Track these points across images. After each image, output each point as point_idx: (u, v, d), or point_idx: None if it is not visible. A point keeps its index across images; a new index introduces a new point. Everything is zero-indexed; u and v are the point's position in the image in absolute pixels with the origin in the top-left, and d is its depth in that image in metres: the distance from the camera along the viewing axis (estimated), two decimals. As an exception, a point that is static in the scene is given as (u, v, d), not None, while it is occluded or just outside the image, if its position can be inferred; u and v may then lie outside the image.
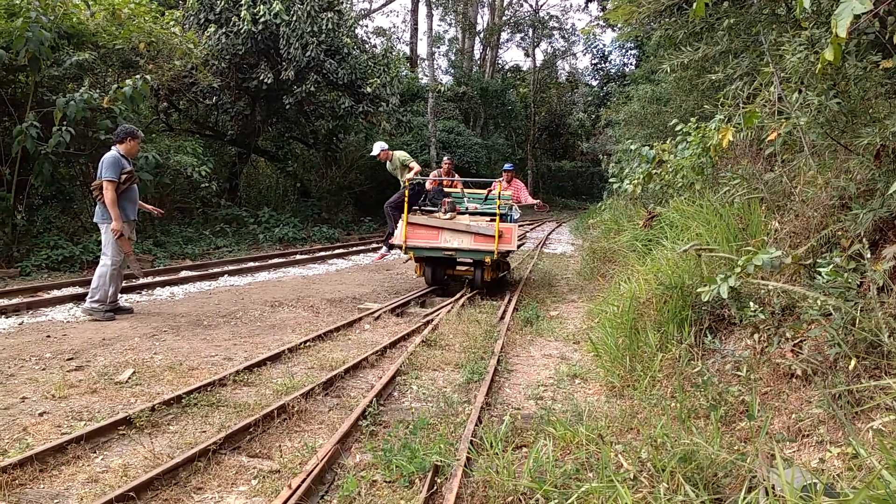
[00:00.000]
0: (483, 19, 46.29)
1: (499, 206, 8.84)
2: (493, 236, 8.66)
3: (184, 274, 10.47)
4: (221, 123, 19.21)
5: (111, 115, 10.47)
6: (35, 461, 3.32)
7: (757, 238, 4.83)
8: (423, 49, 36.67)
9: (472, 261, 9.36)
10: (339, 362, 5.53)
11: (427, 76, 31.88)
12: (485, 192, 10.37)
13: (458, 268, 10.17)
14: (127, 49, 11.83)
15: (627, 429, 3.79)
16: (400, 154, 10.33)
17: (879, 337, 3.06)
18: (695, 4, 3.57)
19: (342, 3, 17.63)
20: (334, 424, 4.15)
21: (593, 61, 47.56)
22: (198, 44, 14.18)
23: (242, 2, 15.40)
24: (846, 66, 4.63)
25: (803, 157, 4.87)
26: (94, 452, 3.60)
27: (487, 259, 8.86)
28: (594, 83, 47.97)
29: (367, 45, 19.54)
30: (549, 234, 22.41)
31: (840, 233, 3.98)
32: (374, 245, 16.18)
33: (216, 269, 11.22)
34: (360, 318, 7.47)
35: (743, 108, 5.45)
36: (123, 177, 6.97)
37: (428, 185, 10.22)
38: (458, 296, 8.92)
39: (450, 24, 47.68)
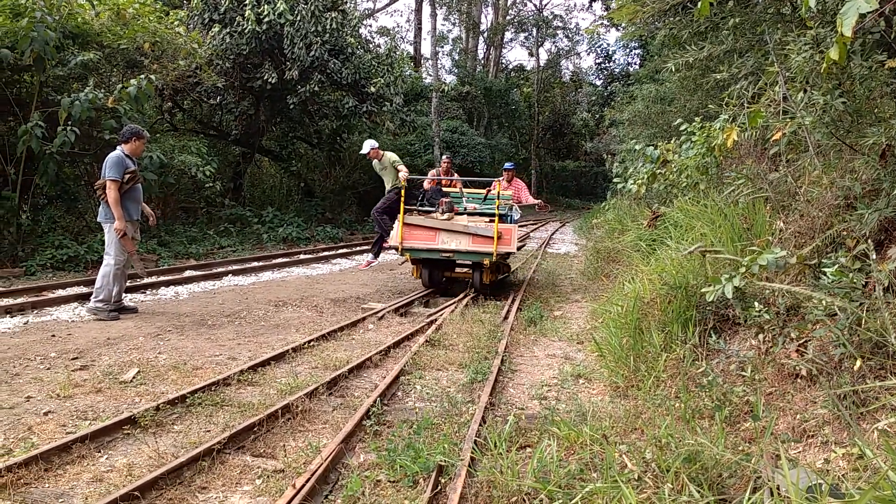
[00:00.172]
0: (487, 19, 46.38)
1: (498, 207, 8.65)
2: (492, 237, 8.44)
3: (188, 273, 10.49)
4: (225, 123, 19.24)
5: (116, 114, 10.50)
6: (40, 460, 3.33)
7: (762, 238, 4.82)
8: (426, 48, 36.68)
9: (470, 263, 9.14)
10: (342, 362, 5.53)
11: (431, 76, 31.92)
12: (484, 191, 10.20)
13: (458, 270, 9.95)
14: (131, 49, 11.86)
15: (631, 429, 3.79)
16: (391, 155, 10.18)
17: (885, 337, 3.05)
18: (699, 3, 3.56)
19: (346, 2, 17.65)
20: (338, 424, 4.15)
21: (597, 61, 47.62)
22: (202, 44, 14.20)
23: (247, 2, 15.42)
24: (851, 65, 4.62)
25: (808, 157, 4.86)
26: (99, 452, 3.61)
27: (486, 261, 8.61)
28: (598, 83, 47.92)
29: (370, 45, 19.56)
30: (553, 233, 22.39)
31: (845, 233, 3.98)
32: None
33: (220, 269, 11.23)
34: (364, 318, 7.48)
35: (748, 107, 5.44)
36: (127, 176, 6.99)
37: (426, 185, 10.09)
38: (461, 296, 8.91)
39: (453, 24, 47.73)
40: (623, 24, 11.76)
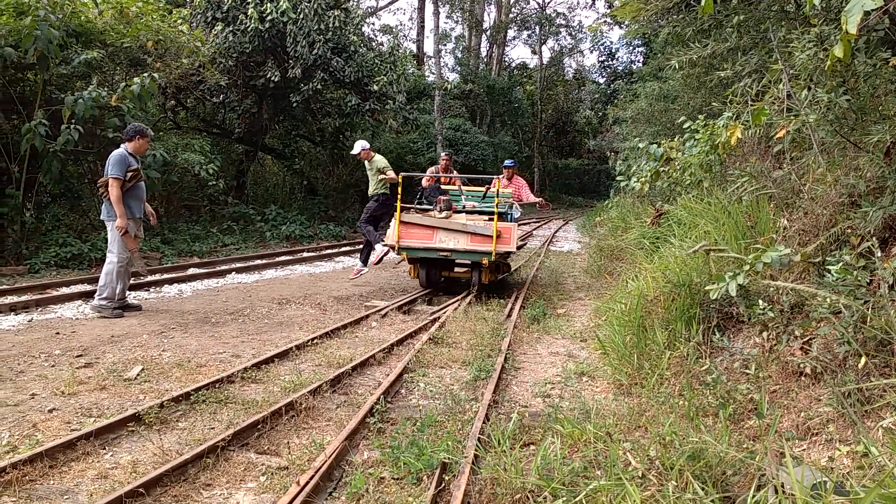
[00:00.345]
0: (490, 17, 46.25)
1: (497, 205, 8.44)
2: (491, 236, 8.22)
3: (192, 271, 10.51)
4: (229, 121, 19.26)
5: (119, 113, 10.52)
6: (45, 457, 3.34)
7: (766, 236, 4.81)
8: (429, 47, 36.71)
9: (469, 262, 8.89)
10: (346, 360, 5.54)
11: (434, 74, 31.89)
12: (483, 189, 9.97)
13: (457, 269, 9.70)
14: (135, 47, 11.87)
15: (635, 427, 3.78)
16: (380, 158, 9.87)
17: (890, 335, 3.05)
18: (703, 1, 3.56)
19: (349, 0, 17.65)
20: (342, 421, 4.15)
21: (600, 58, 47.51)
22: (205, 42, 14.21)
23: (249, 0, 15.43)
24: (856, 63, 4.61)
25: (812, 155, 4.86)
26: (104, 449, 3.62)
27: (484, 260, 8.39)
28: (601, 80, 47.91)
29: (373, 43, 19.56)
30: (556, 231, 22.38)
31: (849, 230, 3.97)
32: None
33: (224, 267, 11.24)
34: (367, 316, 7.48)
35: (751, 105, 5.42)
36: (129, 175, 7.00)
37: (424, 182, 9.95)
38: (464, 294, 8.90)
39: (456, 22, 47.62)
40: (626, 22, 11.76)
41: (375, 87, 17.55)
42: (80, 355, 5.46)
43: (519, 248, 10.31)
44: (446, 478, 3.30)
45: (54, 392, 4.50)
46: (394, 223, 8.58)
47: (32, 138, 9.47)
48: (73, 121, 9.73)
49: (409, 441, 3.64)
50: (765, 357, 3.95)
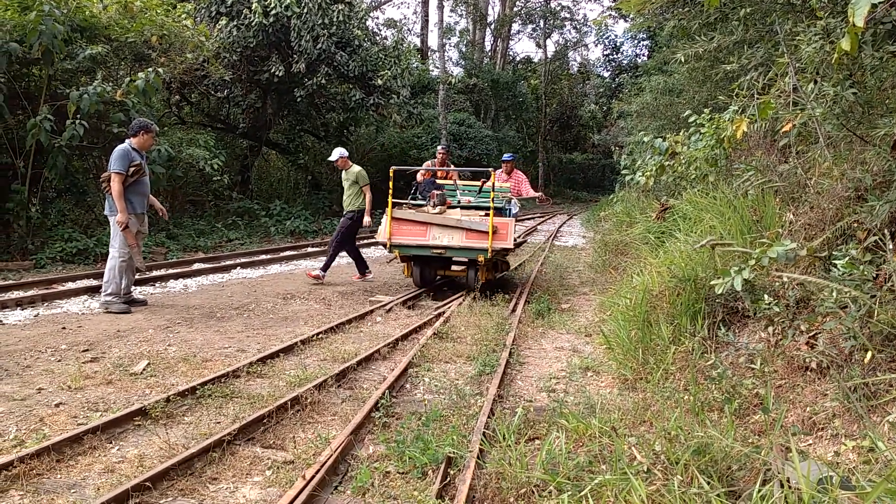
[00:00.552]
0: (494, 10, 46.09)
1: (493, 199, 8.08)
2: (487, 232, 7.91)
3: (196, 266, 10.54)
4: (233, 116, 19.28)
5: (124, 108, 10.53)
6: (52, 451, 3.36)
7: (771, 230, 4.79)
8: (433, 41, 36.64)
9: (465, 259, 8.51)
10: (351, 354, 5.55)
11: (438, 68, 31.79)
12: (479, 183, 9.57)
13: (454, 268, 9.30)
14: (139, 42, 11.87)
15: (640, 421, 3.79)
16: (358, 169, 9.52)
17: (896, 329, 3.04)
18: (710, -6, 3.54)
19: (353, -6, 17.63)
20: (347, 416, 4.17)
21: (605, 52, 47.37)
22: (209, 36, 14.20)
23: (253, -6, 15.44)
24: (863, 56, 4.58)
25: (818, 149, 4.83)
26: (110, 443, 3.64)
27: (480, 258, 8.02)
28: (606, 74, 47.71)
29: (377, 37, 19.56)
30: (561, 226, 22.36)
31: (856, 224, 3.95)
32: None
33: (229, 262, 11.26)
34: (372, 311, 7.49)
35: (757, 98, 5.40)
36: (132, 169, 6.98)
37: (419, 177, 9.64)
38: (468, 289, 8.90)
39: (461, 16, 47.49)
40: (631, 15, 11.71)
41: (379, 82, 17.54)
42: (87, 350, 5.48)
43: (518, 245, 10.02)
44: (451, 472, 3.31)
45: (61, 386, 4.52)
46: (385, 219, 8.27)
47: (38, 133, 9.49)
48: (78, 116, 9.75)
49: (414, 435, 3.65)
50: (770, 352, 3.94)
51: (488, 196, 8.45)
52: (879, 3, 2.71)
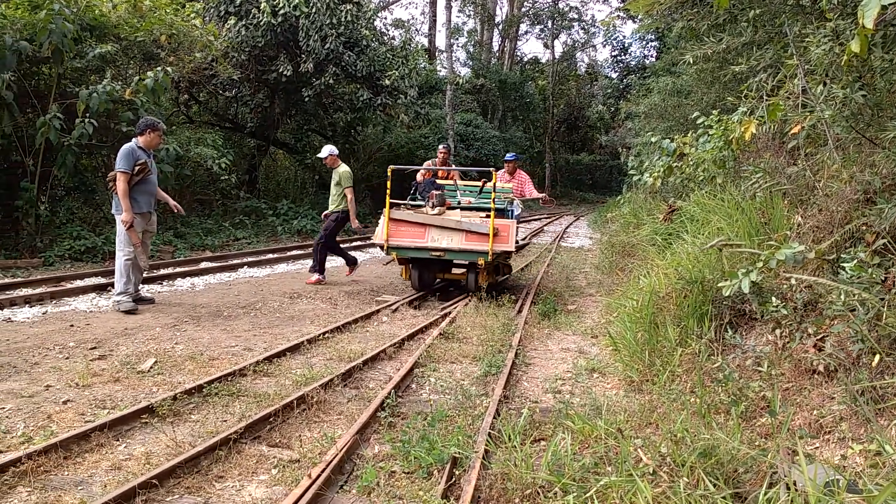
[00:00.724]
0: (502, 10, 46.11)
1: (493, 200, 7.79)
2: (487, 234, 7.65)
3: (204, 265, 10.57)
4: (241, 116, 19.33)
5: (133, 107, 10.57)
6: (59, 448, 3.37)
7: (779, 232, 4.78)
8: (441, 41, 36.68)
9: (465, 262, 8.26)
10: (357, 354, 5.56)
11: (445, 68, 31.83)
12: (480, 184, 9.25)
13: (455, 270, 9.01)
14: (148, 41, 11.93)
15: (646, 423, 3.78)
16: (346, 171, 9.30)
17: (904, 333, 3.02)
18: (718, -4, 3.53)
19: (361, -6, 17.66)
20: (353, 415, 4.17)
21: (613, 53, 47.28)
22: (218, 36, 14.25)
23: (262, -6, 15.48)
24: (872, 58, 4.56)
25: (827, 151, 4.81)
26: (118, 440, 3.65)
27: (481, 261, 7.74)
28: (614, 75, 47.64)
29: (385, 38, 19.54)
30: (567, 227, 22.33)
31: (864, 227, 3.94)
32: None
33: (236, 261, 11.30)
34: (378, 311, 7.50)
35: (766, 100, 5.38)
36: (137, 168, 6.96)
37: (419, 177, 9.41)
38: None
39: (468, 16, 47.52)
40: (640, 16, 11.68)
41: (387, 82, 17.55)
42: (94, 347, 5.51)
43: (520, 247, 9.79)
44: (457, 472, 3.31)
45: (69, 384, 4.54)
46: (383, 220, 8.07)
47: (47, 132, 9.54)
48: (87, 114, 9.80)
49: (419, 435, 3.65)
50: (778, 354, 3.93)
51: (489, 197, 8.19)
52: (890, 4, 2.69)
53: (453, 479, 3.25)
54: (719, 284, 4.09)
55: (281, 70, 16.17)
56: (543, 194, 10.26)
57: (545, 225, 23.21)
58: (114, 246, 10.23)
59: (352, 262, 9.72)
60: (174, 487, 3.13)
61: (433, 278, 8.84)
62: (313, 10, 15.68)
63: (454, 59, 36.59)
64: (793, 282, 4.02)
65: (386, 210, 8.01)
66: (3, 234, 10.44)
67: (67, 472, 3.25)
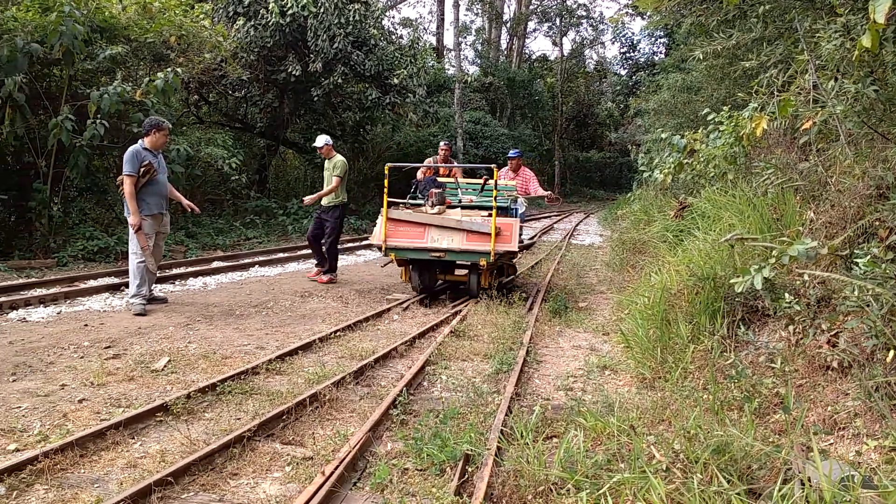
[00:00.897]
0: (510, 8, 46.06)
1: (495, 198, 7.54)
2: (489, 234, 7.38)
3: (216, 264, 10.62)
4: (250, 116, 19.40)
5: (144, 108, 10.64)
6: (76, 446, 3.40)
7: (792, 228, 4.76)
8: (449, 39, 36.62)
9: (467, 263, 7.98)
10: (368, 352, 5.57)
11: (453, 66, 31.82)
12: (481, 181, 8.82)
13: (458, 272, 8.69)
14: (158, 42, 11.98)
15: (659, 420, 3.77)
16: (341, 162, 9.23)
17: (919, 328, 3.01)
18: (729, -9, 3.52)
19: (369, -7, 17.68)
20: (365, 413, 4.19)
21: (622, 50, 47.18)
22: (227, 36, 14.30)
23: (270, -6, 15.53)
24: (884, 52, 4.54)
25: (839, 146, 4.79)
26: (133, 438, 3.68)
27: (482, 261, 7.43)
28: (623, 72, 47.51)
29: (393, 37, 19.56)
30: (577, 225, 22.30)
31: (877, 223, 3.92)
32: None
33: (247, 260, 11.36)
34: (389, 309, 7.52)
35: (777, 96, 5.36)
36: (142, 170, 6.91)
37: (420, 175, 9.16)
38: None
39: (476, 14, 47.55)
40: (648, 13, 11.64)
41: (395, 81, 17.58)
42: (109, 347, 5.55)
43: (525, 247, 9.44)
44: (469, 469, 3.32)
45: (84, 383, 4.58)
46: (380, 220, 7.82)
47: (59, 133, 9.61)
48: (98, 116, 9.86)
49: (432, 433, 3.66)
50: (791, 351, 3.91)
51: (491, 194, 7.83)
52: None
53: (466, 476, 3.26)
54: (731, 281, 4.08)
55: (290, 70, 16.22)
56: (549, 192, 10.08)
57: (555, 223, 23.18)
58: (126, 246, 10.32)
59: (331, 270, 9.38)
60: (189, 485, 3.16)
61: (434, 280, 8.51)
62: (321, 10, 15.71)
63: (462, 57, 36.58)
64: (806, 277, 4.00)
65: (384, 209, 7.78)
66: (17, 234, 10.54)
67: (84, 470, 3.28)
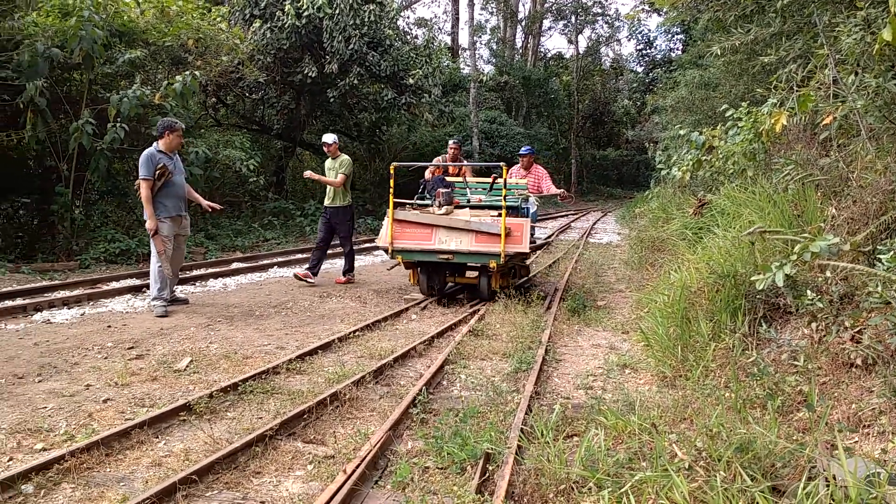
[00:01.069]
0: (525, 7, 45.96)
1: (504, 197, 7.35)
2: (499, 235, 7.18)
3: (235, 266, 10.71)
4: (268, 118, 19.53)
5: (162, 111, 10.75)
6: (101, 446, 3.45)
7: (813, 225, 4.72)
8: (464, 39, 36.68)
9: (478, 265, 7.76)
10: (387, 351, 5.59)
11: (469, 66, 31.82)
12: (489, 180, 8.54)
13: (469, 274, 8.48)
14: (176, 46, 12.11)
15: (681, 419, 3.75)
16: (346, 161, 9.13)
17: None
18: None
19: (383, -6, 17.73)
20: (385, 412, 4.21)
21: (638, 47, 46.63)
22: (244, 39, 14.42)
23: (286, -4, 15.62)
24: (906, 46, 4.48)
25: (860, 142, 4.74)
26: (157, 437, 3.73)
27: (492, 263, 7.23)
28: (639, 69, 47.12)
29: (408, 37, 19.61)
30: (595, 223, 22.22)
31: (901, 218, 3.87)
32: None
33: (266, 261, 11.44)
34: (407, 308, 7.54)
35: (797, 91, 5.31)
36: (157, 172, 6.90)
37: (428, 174, 9.00)
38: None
39: (491, 13, 47.46)
40: (665, 9, 11.56)
41: (411, 81, 17.61)
42: (132, 347, 5.61)
43: (538, 247, 9.23)
44: (490, 468, 3.32)
45: (108, 383, 4.64)
46: (386, 221, 7.67)
47: (80, 137, 9.73)
48: (118, 119, 9.98)
49: (452, 431, 3.66)
50: (814, 348, 3.88)
51: (500, 193, 7.62)
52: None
53: (486, 474, 3.26)
54: (752, 278, 4.05)
55: (306, 71, 16.31)
56: (562, 190, 9.86)
57: (572, 221, 23.11)
58: (147, 248, 10.44)
59: (315, 272, 9.23)
60: (213, 483, 3.19)
61: (444, 282, 8.32)
62: (337, 11, 15.77)
63: (477, 56, 36.58)
64: (828, 274, 3.97)
65: (390, 210, 7.59)
66: (40, 237, 10.70)
67: (109, 469, 3.32)
